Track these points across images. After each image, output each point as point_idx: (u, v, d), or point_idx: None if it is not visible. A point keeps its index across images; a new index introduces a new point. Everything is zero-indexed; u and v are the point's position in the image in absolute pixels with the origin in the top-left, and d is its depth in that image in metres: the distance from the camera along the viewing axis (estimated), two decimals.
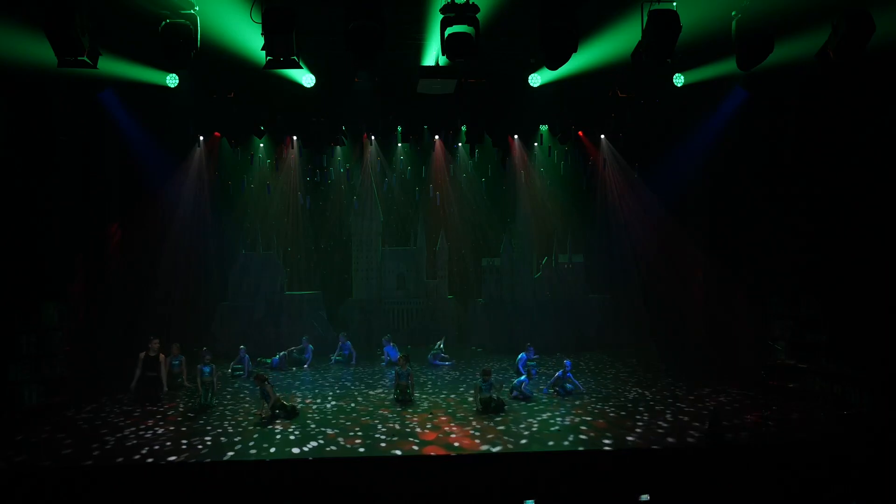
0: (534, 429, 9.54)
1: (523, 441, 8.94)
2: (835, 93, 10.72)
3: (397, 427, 9.73)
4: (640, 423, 9.73)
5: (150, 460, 8.30)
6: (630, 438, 8.99)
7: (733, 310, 13.24)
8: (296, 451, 8.58)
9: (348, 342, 15.85)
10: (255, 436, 9.30)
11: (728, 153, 13.17)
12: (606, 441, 8.89)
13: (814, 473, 8.25)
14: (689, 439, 8.93)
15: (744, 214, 12.92)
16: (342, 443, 8.94)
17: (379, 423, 9.92)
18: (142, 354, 11.80)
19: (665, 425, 9.63)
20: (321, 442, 8.98)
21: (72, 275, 11.85)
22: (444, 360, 15.36)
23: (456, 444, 8.88)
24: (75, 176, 11.87)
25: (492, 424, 9.79)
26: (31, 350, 10.75)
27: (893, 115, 10.04)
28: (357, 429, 9.63)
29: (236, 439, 9.14)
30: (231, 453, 8.50)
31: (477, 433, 9.36)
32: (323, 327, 17.29)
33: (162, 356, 11.94)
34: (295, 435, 9.32)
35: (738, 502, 8.02)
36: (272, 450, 8.62)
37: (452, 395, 11.84)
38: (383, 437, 9.23)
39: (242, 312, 16.83)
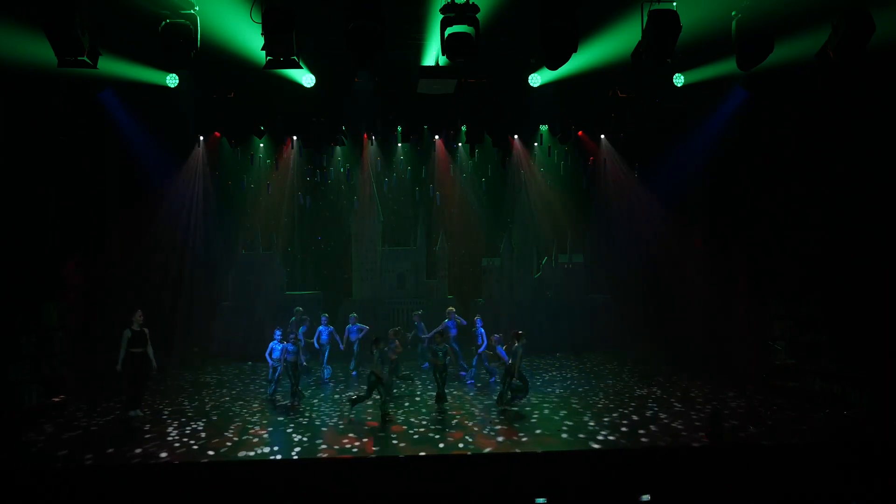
0: (538, 431, 9.55)
1: (524, 440, 8.97)
2: (835, 93, 10.72)
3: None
4: (641, 423, 9.76)
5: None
6: (620, 441, 9.00)
7: (733, 310, 13.25)
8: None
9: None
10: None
11: (728, 153, 13.18)
12: (597, 440, 8.91)
13: (814, 473, 8.25)
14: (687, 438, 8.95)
15: (744, 214, 12.93)
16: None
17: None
18: (126, 332, 10.53)
19: (666, 424, 9.66)
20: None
21: (72, 275, 11.85)
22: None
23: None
24: (75, 176, 11.86)
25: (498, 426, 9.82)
26: (31, 350, 10.72)
27: (893, 114, 10.04)
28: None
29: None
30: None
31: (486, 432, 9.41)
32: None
33: (146, 330, 10.74)
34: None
35: (738, 502, 8.02)
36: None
37: (455, 392, 11.87)
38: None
39: (242, 312, 16.82)
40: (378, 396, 10.29)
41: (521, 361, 10.80)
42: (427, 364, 13.99)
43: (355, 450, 8.62)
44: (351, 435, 9.31)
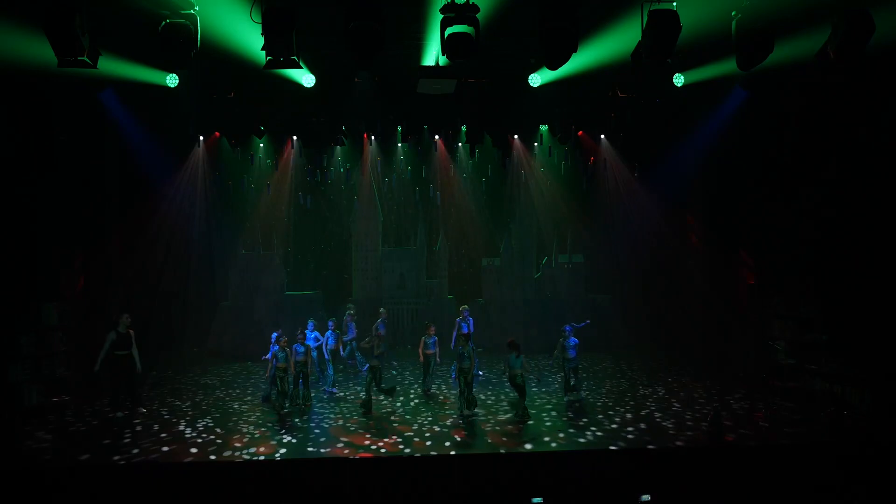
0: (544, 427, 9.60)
1: (527, 445, 8.99)
2: (834, 93, 10.72)
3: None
4: (642, 423, 9.77)
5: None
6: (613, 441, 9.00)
7: (733, 310, 13.25)
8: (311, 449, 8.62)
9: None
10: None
11: (728, 153, 13.18)
12: (597, 440, 8.92)
13: (814, 473, 8.26)
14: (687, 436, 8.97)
15: (744, 214, 12.92)
16: None
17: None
18: (111, 334, 10.57)
19: (669, 425, 9.68)
20: None
21: (72, 275, 11.84)
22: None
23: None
24: (75, 176, 11.86)
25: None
26: (31, 350, 10.72)
27: (893, 114, 10.04)
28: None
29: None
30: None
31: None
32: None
33: (131, 332, 10.80)
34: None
35: (738, 502, 8.02)
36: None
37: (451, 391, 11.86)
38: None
39: (242, 312, 16.82)
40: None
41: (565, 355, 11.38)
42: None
43: (361, 449, 8.64)
44: (350, 436, 9.33)
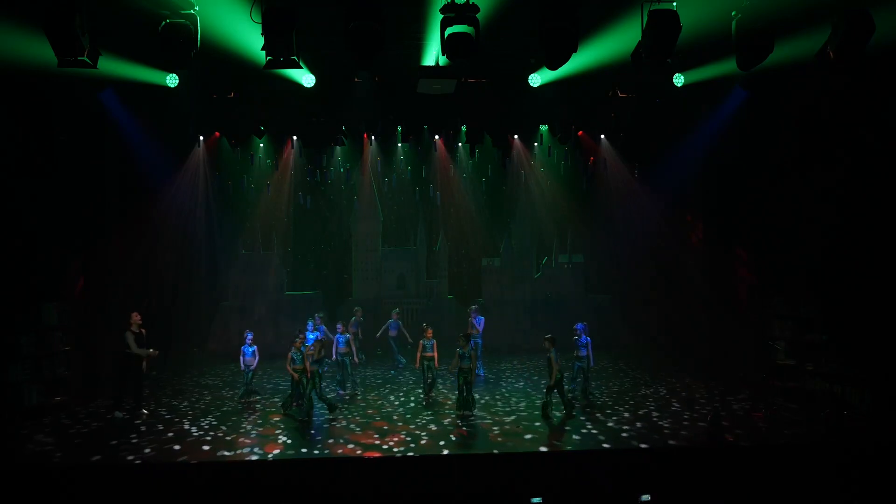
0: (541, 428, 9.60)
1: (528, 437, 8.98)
2: (834, 93, 10.72)
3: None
4: (638, 422, 9.77)
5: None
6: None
7: (733, 309, 13.25)
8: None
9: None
10: None
11: (728, 153, 13.18)
12: (605, 440, 8.92)
13: (814, 474, 8.25)
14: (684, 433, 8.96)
15: (744, 214, 12.92)
16: None
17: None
18: (129, 334, 10.60)
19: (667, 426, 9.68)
20: None
21: (72, 275, 11.84)
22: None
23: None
24: (75, 176, 11.86)
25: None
26: (31, 350, 10.73)
27: (893, 114, 10.03)
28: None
29: None
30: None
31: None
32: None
33: (143, 331, 10.87)
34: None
35: (738, 502, 8.02)
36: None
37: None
38: None
39: (242, 312, 16.83)
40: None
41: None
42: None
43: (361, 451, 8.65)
44: (350, 435, 9.33)
